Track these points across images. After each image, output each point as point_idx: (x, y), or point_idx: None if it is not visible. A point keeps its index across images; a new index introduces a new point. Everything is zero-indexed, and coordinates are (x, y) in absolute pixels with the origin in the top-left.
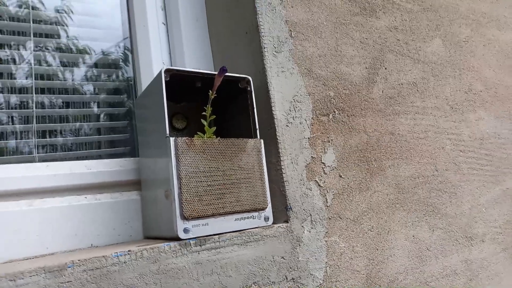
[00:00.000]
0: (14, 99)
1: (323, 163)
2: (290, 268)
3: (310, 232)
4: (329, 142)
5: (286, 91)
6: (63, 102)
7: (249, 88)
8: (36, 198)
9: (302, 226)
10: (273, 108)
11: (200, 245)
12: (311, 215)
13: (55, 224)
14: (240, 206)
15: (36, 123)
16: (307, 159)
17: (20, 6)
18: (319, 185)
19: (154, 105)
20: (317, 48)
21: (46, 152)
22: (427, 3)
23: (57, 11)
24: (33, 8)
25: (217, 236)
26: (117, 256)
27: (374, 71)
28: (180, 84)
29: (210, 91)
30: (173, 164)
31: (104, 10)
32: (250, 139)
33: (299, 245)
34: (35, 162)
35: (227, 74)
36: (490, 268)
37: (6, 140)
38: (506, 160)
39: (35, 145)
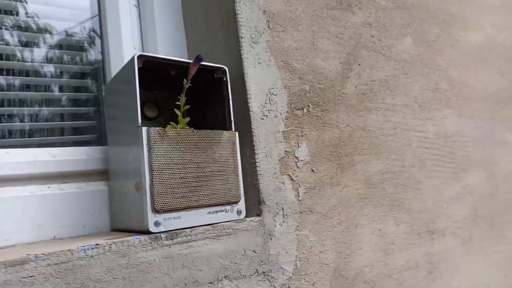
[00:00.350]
0: None
1: (296, 157)
2: (261, 261)
3: (281, 225)
4: (302, 136)
5: (262, 83)
6: (22, 85)
7: (225, 79)
8: None
9: (274, 220)
10: (249, 100)
11: (171, 239)
12: (283, 208)
13: (16, 215)
14: (214, 199)
15: None
16: (281, 153)
17: None
18: (292, 179)
19: (126, 92)
20: (294, 40)
21: (4, 138)
22: (400, 1)
23: None
24: None
25: (189, 229)
26: (84, 250)
27: (348, 67)
28: (153, 72)
29: (184, 80)
30: (145, 155)
31: None
32: (225, 131)
33: (271, 238)
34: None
35: (202, 63)
36: (449, 260)
37: None
38: (467, 158)
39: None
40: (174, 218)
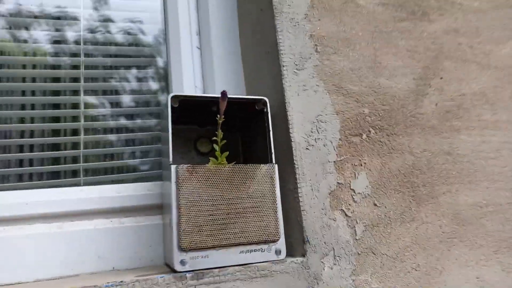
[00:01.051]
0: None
1: (353, 189)
2: None
3: (332, 269)
4: (361, 165)
5: (307, 111)
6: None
7: (265, 110)
8: (66, 221)
9: (322, 262)
10: (290, 130)
11: (197, 279)
12: (334, 249)
13: (81, 247)
14: (245, 238)
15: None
16: (331, 185)
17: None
18: (346, 215)
19: (165, 130)
20: (349, 61)
21: (77, 177)
22: (499, 0)
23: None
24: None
25: (218, 269)
26: (109, 287)
27: (425, 82)
28: (200, 109)
29: (217, 116)
30: (173, 192)
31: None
32: (262, 165)
33: (317, 283)
34: (81, 185)
35: (243, 97)
36: None
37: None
38: None
39: (80, 170)
40: (202, 257)
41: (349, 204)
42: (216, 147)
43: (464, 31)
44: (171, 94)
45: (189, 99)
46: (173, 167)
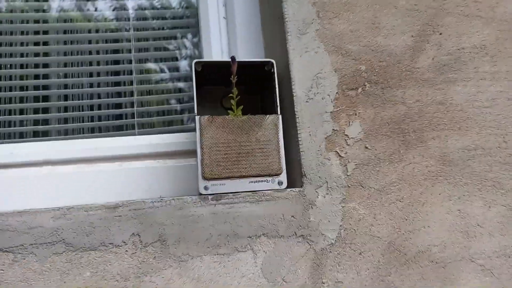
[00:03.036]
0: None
1: (346, 135)
2: (300, 226)
3: (324, 197)
4: (355, 115)
5: (308, 70)
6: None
7: (272, 70)
8: (124, 161)
9: (316, 192)
10: (293, 87)
11: (216, 200)
12: (327, 182)
13: (135, 181)
14: (253, 171)
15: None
16: (327, 131)
17: None
18: (339, 156)
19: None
20: (349, 23)
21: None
22: None
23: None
24: None
25: (232, 194)
26: (153, 202)
27: (423, 39)
28: (224, 72)
29: (232, 76)
30: (198, 137)
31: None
32: (268, 115)
33: (311, 207)
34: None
35: (252, 60)
36: None
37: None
38: None
39: (136, 124)
40: (220, 184)
41: (343, 147)
42: (233, 102)
43: None
44: (194, 60)
45: (209, 63)
46: (197, 117)
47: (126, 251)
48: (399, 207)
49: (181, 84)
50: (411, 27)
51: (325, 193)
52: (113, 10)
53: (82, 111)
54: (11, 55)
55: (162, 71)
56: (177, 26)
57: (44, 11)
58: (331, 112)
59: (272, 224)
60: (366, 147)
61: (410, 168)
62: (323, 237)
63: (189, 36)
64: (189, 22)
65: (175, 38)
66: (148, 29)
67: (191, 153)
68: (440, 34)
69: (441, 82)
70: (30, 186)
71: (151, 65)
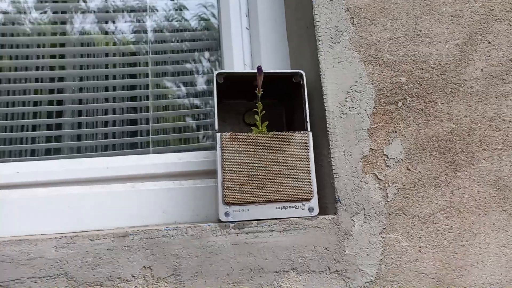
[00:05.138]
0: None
1: (386, 155)
2: (334, 260)
3: (362, 226)
4: (395, 132)
5: (342, 81)
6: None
7: (301, 82)
8: (137, 182)
9: (352, 220)
10: (324, 100)
11: (239, 228)
12: (364, 208)
13: (149, 204)
14: (281, 196)
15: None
16: (364, 151)
17: None
18: (378, 178)
19: (213, 104)
20: (387, 31)
21: (147, 147)
22: None
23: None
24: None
25: (256, 221)
26: (167, 230)
27: (470, 48)
28: (246, 85)
29: (257, 89)
30: (218, 156)
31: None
32: (297, 132)
33: (347, 238)
34: (150, 154)
35: (280, 71)
36: None
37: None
38: None
39: (150, 141)
40: (243, 210)
41: (382, 169)
42: (257, 117)
43: None
44: (216, 72)
45: (232, 75)
46: (218, 134)
47: (136, 286)
48: (448, 238)
49: (197, 101)
50: (456, 35)
51: (362, 221)
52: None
53: (96, 127)
54: (26, 69)
55: (178, 86)
56: (195, 41)
57: (63, 30)
58: (368, 129)
59: (302, 257)
60: (409, 169)
61: (459, 194)
62: (360, 273)
63: (210, 51)
64: (210, 35)
65: (193, 51)
66: (167, 41)
67: (210, 173)
68: (489, 42)
69: (491, 96)
70: (35, 209)
71: (167, 81)
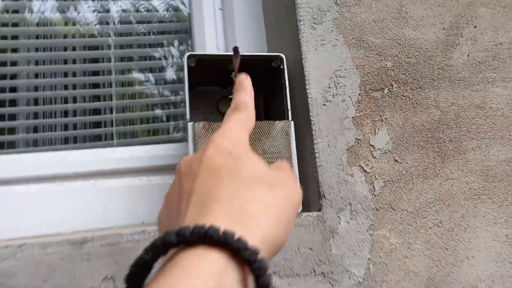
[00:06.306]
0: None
1: (372, 145)
2: (320, 261)
3: (348, 223)
4: (381, 121)
5: (325, 66)
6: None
7: (282, 67)
8: (99, 179)
9: (338, 216)
10: (307, 86)
11: None
12: (351, 204)
13: (115, 202)
14: None
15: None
16: (349, 141)
17: None
18: (364, 171)
19: (184, 91)
20: (372, 12)
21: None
22: None
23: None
24: None
25: None
26: (132, 235)
27: (456, 32)
28: (220, 69)
29: (232, 73)
30: (191, 148)
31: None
32: (277, 121)
33: (333, 236)
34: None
35: (259, 54)
36: None
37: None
38: None
39: (114, 133)
40: None
41: (368, 160)
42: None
43: None
44: (187, 53)
45: (204, 58)
46: (189, 124)
47: None
48: (438, 233)
49: (167, 89)
50: (442, 18)
51: (348, 218)
52: None
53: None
54: None
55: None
56: (165, 26)
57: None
58: (353, 117)
59: (285, 259)
60: (396, 160)
61: (448, 186)
62: (348, 274)
63: (179, 32)
64: (180, 16)
65: (162, 33)
66: (132, 23)
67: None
68: (475, 27)
69: (478, 83)
70: None
71: (133, 67)
